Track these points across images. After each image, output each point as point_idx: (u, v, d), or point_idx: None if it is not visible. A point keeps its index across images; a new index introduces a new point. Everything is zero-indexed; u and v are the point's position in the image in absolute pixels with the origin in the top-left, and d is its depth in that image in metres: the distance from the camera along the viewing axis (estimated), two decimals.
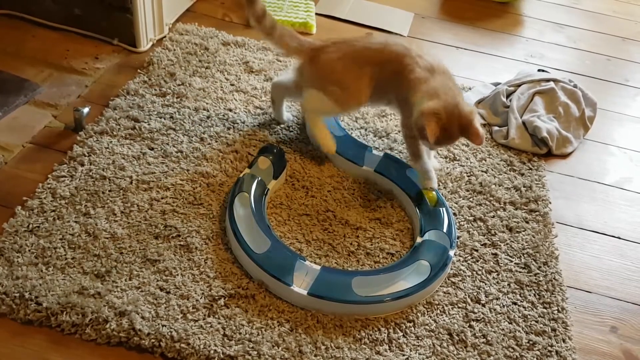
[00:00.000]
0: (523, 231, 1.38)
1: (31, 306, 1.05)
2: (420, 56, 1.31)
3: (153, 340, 1.03)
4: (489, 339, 1.14)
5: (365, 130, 1.60)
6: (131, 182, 1.32)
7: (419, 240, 1.26)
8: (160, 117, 1.50)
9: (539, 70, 1.94)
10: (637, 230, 1.49)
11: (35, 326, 1.04)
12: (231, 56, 1.78)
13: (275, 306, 1.13)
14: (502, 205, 1.44)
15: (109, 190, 1.29)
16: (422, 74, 1.27)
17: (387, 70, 1.32)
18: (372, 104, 1.46)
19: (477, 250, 1.31)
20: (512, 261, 1.31)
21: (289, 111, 1.59)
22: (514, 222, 1.40)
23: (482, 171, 1.53)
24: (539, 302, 1.23)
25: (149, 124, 1.47)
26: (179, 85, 1.62)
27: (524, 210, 1.44)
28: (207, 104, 1.58)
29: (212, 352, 1.03)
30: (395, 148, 1.56)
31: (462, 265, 1.28)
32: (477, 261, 1.29)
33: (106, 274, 1.13)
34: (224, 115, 1.55)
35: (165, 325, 1.06)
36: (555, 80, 1.79)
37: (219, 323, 1.08)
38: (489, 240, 1.35)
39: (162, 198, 1.30)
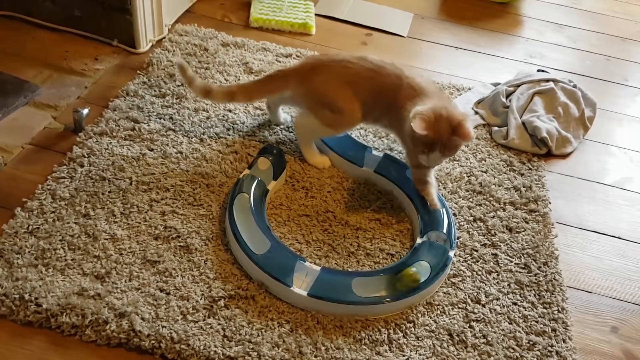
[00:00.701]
0: (523, 231, 1.38)
1: (31, 307, 1.05)
2: (413, 80, 1.31)
3: (153, 342, 1.03)
4: (489, 339, 1.14)
5: (365, 130, 1.60)
6: (131, 183, 1.32)
7: (419, 240, 1.26)
8: (160, 118, 1.50)
9: (538, 70, 1.94)
10: (637, 230, 1.49)
11: (35, 327, 1.04)
12: (231, 57, 1.78)
13: (275, 307, 1.13)
14: (502, 206, 1.44)
15: (109, 192, 1.29)
16: (412, 96, 1.28)
17: (380, 97, 1.33)
18: (367, 124, 1.46)
19: (477, 251, 1.31)
20: (512, 261, 1.31)
21: (287, 112, 1.59)
22: (514, 222, 1.40)
23: (482, 171, 1.53)
24: (539, 302, 1.23)
25: (148, 125, 1.47)
26: (178, 86, 1.62)
27: (523, 211, 1.44)
28: (206, 104, 1.58)
29: (212, 353, 1.03)
30: (395, 148, 1.55)
31: (462, 265, 1.28)
32: (477, 261, 1.29)
33: (106, 275, 1.13)
34: (223, 116, 1.55)
35: (165, 327, 1.05)
36: (554, 81, 1.79)
37: (219, 324, 1.08)
38: (488, 240, 1.34)
39: (161, 199, 1.30)
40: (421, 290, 1.16)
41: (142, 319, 1.06)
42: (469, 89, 1.86)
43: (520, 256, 1.32)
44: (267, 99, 1.54)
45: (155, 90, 1.59)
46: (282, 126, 1.56)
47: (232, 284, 1.15)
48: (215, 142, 1.47)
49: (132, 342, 1.03)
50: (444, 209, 1.33)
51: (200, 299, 1.12)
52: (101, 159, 1.36)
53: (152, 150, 1.41)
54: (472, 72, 1.98)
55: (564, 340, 1.16)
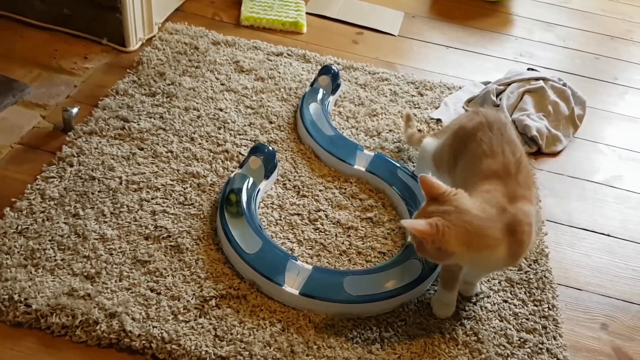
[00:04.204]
0: None
1: (20, 308, 1.04)
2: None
3: (144, 342, 1.03)
4: (480, 336, 1.14)
5: (357, 129, 1.60)
6: (121, 183, 1.31)
7: (410, 239, 1.27)
8: (150, 117, 1.50)
9: (528, 69, 1.95)
10: (627, 228, 1.50)
11: (25, 328, 1.04)
12: (221, 55, 1.78)
13: (267, 306, 1.13)
14: None
15: (99, 191, 1.28)
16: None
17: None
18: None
19: None
20: None
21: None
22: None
23: None
24: (530, 299, 1.24)
25: (138, 124, 1.46)
26: (168, 84, 1.62)
27: None
28: (197, 103, 1.57)
29: (203, 352, 1.03)
30: (387, 147, 1.56)
31: None
32: None
33: (96, 275, 1.12)
34: (214, 115, 1.55)
35: (156, 327, 1.05)
36: (544, 79, 1.80)
37: (210, 324, 1.07)
38: None
39: (152, 198, 1.29)
40: (413, 288, 1.16)
41: (133, 319, 1.05)
42: (460, 87, 1.87)
43: None
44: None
45: (145, 89, 1.59)
46: (274, 124, 1.56)
47: (223, 283, 1.15)
48: (206, 141, 1.46)
49: (123, 342, 1.03)
50: None
51: (192, 298, 1.11)
52: (91, 158, 1.35)
53: (142, 149, 1.41)
54: (463, 70, 1.99)
55: (554, 338, 1.17)
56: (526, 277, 1.28)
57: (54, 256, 1.14)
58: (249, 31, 1.97)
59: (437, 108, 1.75)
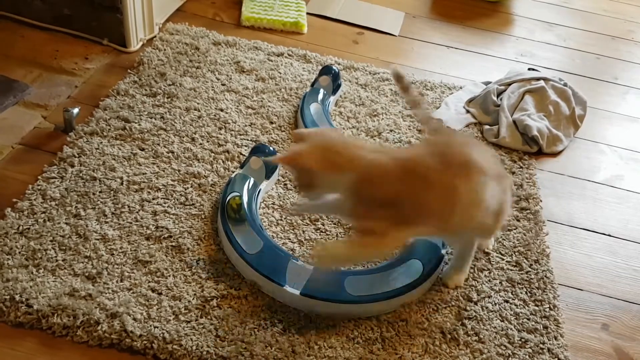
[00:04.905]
0: (514, 229, 1.39)
1: (22, 309, 1.04)
2: None
3: (145, 342, 1.03)
4: (481, 336, 1.14)
5: (357, 129, 1.60)
6: (122, 183, 1.31)
7: (411, 239, 1.26)
8: (151, 118, 1.50)
9: (529, 69, 1.95)
10: (627, 228, 1.50)
11: (26, 329, 1.04)
12: (222, 56, 1.78)
13: (268, 306, 1.13)
14: None
15: (100, 192, 1.28)
16: None
17: None
18: None
19: None
20: (503, 259, 1.31)
21: None
22: (505, 220, 1.40)
23: None
24: (531, 299, 1.24)
25: (139, 125, 1.47)
26: (169, 85, 1.62)
27: (515, 209, 1.44)
28: (198, 104, 1.57)
29: (204, 353, 1.03)
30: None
31: None
32: None
33: (97, 275, 1.12)
34: (215, 115, 1.55)
35: (157, 327, 1.05)
36: (545, 79, 1.80)
37: (212, 324, 1.07)
38: None
39: (153, 199, 1.29)
40: (414, 288, 1.16)
41: (134, 319, 1.05)
42: (461, 87, 1.87)
43: (512, 254, 1.33)
44: None
45: (146, 90, 1.59)
46: (274, 125, 1.56)
47: (224, 283, 1.15)
48: (207, 142, 1.46)
49: (124, 342, 1.03)
50: None
51: (193, 299, 1.11)
52: (92, 158, 1.35)
53: (143, 149, 1.41)
54: (464, 70, 1.99)
55: (555, 338, 1.17)
56: (527, 277, 1.28)
57: (55, 256, 1.14)
58: (249, 31, 1.97)
59: (437, 108, 1.75)
